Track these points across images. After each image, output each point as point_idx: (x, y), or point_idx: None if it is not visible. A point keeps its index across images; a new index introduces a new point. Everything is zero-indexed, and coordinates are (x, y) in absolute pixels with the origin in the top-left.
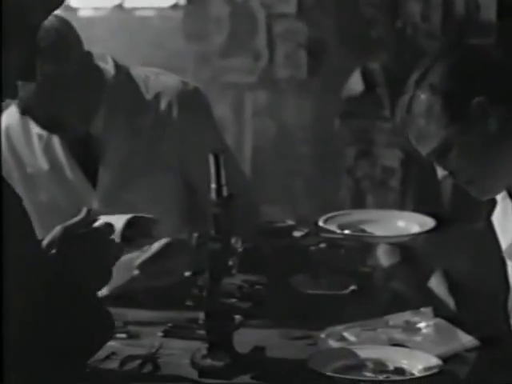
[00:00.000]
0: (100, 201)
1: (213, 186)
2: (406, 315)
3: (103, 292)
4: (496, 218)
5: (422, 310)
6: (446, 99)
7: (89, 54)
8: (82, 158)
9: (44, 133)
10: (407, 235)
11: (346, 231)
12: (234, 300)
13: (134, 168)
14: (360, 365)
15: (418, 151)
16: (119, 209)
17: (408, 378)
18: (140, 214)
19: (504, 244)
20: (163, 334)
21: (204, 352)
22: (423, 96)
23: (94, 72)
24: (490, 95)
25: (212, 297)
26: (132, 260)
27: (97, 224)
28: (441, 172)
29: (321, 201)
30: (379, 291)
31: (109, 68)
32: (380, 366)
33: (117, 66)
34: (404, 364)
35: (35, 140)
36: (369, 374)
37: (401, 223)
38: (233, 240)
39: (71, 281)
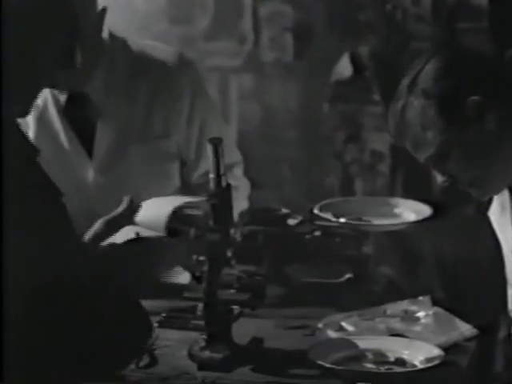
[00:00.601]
0: (95, 170)
1: (211, 176)
2: (404, 304)
3: None
4: (493, 213)
5: (420, 298)
6: (440, 103)
7: (103, 11)
8: (78, 127)
9: (39, 102)
10: (404, 223)
11: (342, 219)
12: (232, 291)
13: (130, 136)
14: (360, 356)
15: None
16: (114, 178)
17: (411, 369)
18: (187, 199)
19: (502, 239)
20: (158, 324)
21: (202, 344)
22: (416, 102)
23: (98, 31)
24: (485, 94)
25: (211, 288)
26: None
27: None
28: (440, 178)
29: (308, 185)
30: (375, 279)
31: (105, 36)
32: (380, 357)
33: (112, 35)
34: (405, 355)
35: None
36: (369, 365)
37: (397, 210)
38: (231, 230)
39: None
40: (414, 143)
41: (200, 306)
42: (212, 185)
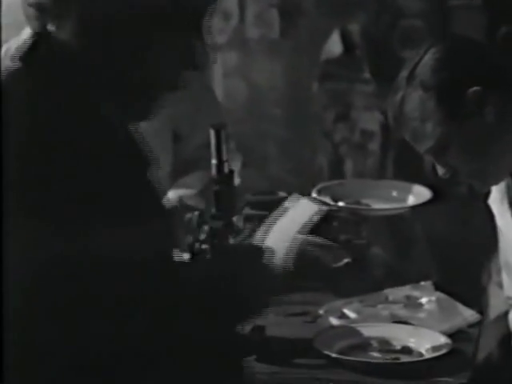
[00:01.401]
0: None
1: (213, 161)
2: (406, 289)
3: None
4: (493, 201)
5: (422, 283)
6: (439, 95)
7: None
8: None
9: None
10: (404, 207)
11: (341, 203)
12: None
13: None
14: (365, 344)
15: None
16: None
17: (419, 359)
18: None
19: (502, 226)
20: None
21: None
22: (415, 94)
23: None
24: (484, 85)
25: None
26: None
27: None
28: (441, 169)
29: (296, 165)
30: (374, 264)
31: None
32: (385, 345)
33: None
34: (411, 343)
35: None
36: (375, 354)
37: (395, 193)
38: (235, 218)
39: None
40: (414, 135)
41: None
42: (214, 171)
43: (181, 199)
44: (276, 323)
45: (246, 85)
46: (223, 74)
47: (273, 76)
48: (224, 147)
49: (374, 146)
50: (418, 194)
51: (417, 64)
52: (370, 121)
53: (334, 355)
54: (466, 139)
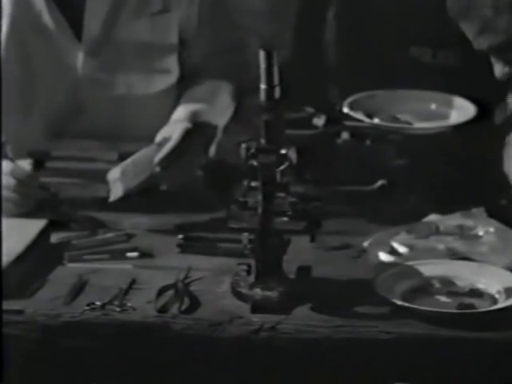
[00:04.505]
0: (85, 54)
1: (263, 86)
2: (457, 218)
3: (118, 193)
4: None
5: (474, 210)
6: None
7: None
8: (64, 5)
9: None
10: (448, 126)
11: (376, 120)
12: (286, 219)
13: (124, 12)
14: (426, 285)
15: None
16: (105, 64)
17: (500, 306)
18: None
19: None
20: (179, 249)
21: (249, 279)
22: None
23: None
24: None
25: (266, 217)
26: (150, 156)
27: None
28: (501, 68)
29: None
30: (411, 187)
31: None
32: (449, 286)
33: None
34: (479, 283)
35: None
36: (442, 299)
37: (434, 107)
38: (288, 151)
39: None
40: (482, 27)
41: (245, 236)
42: (263, 97)
43: (194, 114)
44: (319, 260)
45: None
46: None
47: None
48: (275, 70)
49: None
50: (461, 108)
51: None
52: None
53: (399, 302)
54: None
